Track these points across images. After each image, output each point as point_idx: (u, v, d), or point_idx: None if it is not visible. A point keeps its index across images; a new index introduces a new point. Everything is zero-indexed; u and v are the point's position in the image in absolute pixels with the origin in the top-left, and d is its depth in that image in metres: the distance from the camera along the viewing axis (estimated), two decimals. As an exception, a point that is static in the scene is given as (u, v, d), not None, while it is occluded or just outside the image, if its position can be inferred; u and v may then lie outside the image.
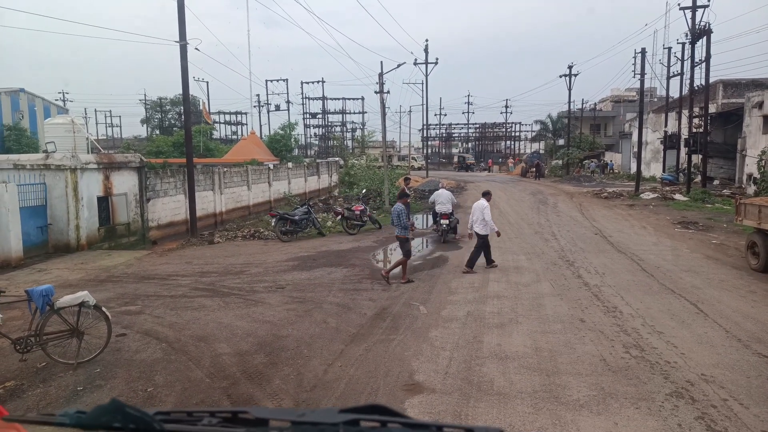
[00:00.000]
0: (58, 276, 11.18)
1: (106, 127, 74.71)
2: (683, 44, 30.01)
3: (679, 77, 31.80)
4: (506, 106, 75.41)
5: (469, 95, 75.60)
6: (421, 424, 0.51)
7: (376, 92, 25.74)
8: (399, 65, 26.59)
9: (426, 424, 0.51)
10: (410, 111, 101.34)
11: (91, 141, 20.76)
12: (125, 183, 15.80)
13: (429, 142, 66.80)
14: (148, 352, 6.68)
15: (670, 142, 34.69)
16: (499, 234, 11.67)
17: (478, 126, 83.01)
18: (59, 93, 59.40)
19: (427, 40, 48.87)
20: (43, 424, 0.68)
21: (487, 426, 0.48)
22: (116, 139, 68.86)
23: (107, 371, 6.12)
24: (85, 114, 64.86)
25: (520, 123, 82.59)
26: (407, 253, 10.40)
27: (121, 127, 76.12)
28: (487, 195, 11.79)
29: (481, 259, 11.26)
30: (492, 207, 12.59)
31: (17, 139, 29.29)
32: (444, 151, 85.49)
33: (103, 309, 6.50)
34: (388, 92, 35.84)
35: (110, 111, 74.63)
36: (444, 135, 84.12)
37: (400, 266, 10.38)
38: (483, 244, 11.25)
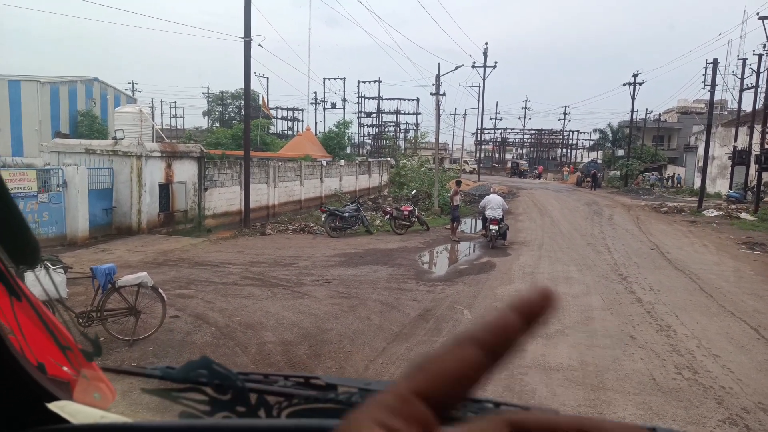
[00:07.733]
0: (119, 256, 11.77)
1: (170, 117, 77.58)
2: (760, 55, 28.54)
3: (753, 90, 30.22)
4: (564, 113, 73.34)
5: (526, 100, 73.94)
6: (479, 400, 0.54)
7: (431, 93, 25.66)
8: (457, 67, 26.42)
9: (483, 400, 0.54)
10: (465, 114, 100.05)
11: (156, 130, 21.69)
12: (185, 172, 16.44)
13: (482, 146, 66.00)
14: (199, 335, 6.95)
15: (740, 157, 32.89)
16: None
17: (534, 132, 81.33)
18: (129, 83, 62.27)
19: (486, 43, 47.82)
20: (135, 375, 0.75)
21: (543, 407, 0.50)
22: (179, 129, 71.30)
23: (160, 350, 6.42)
24: (152, 104, 67.63)
25: (578, 131, 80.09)
26: None
27: (184, 118, 78.80)
28: None
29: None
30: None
31: (89, 125, 31.07)
32: (498, 155, 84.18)
33: (160, 291, 6.83)
34: (444, 94, 35.45)
35: (175, 102, 77.24)
36: (498, 140, 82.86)
37: None
38: None
